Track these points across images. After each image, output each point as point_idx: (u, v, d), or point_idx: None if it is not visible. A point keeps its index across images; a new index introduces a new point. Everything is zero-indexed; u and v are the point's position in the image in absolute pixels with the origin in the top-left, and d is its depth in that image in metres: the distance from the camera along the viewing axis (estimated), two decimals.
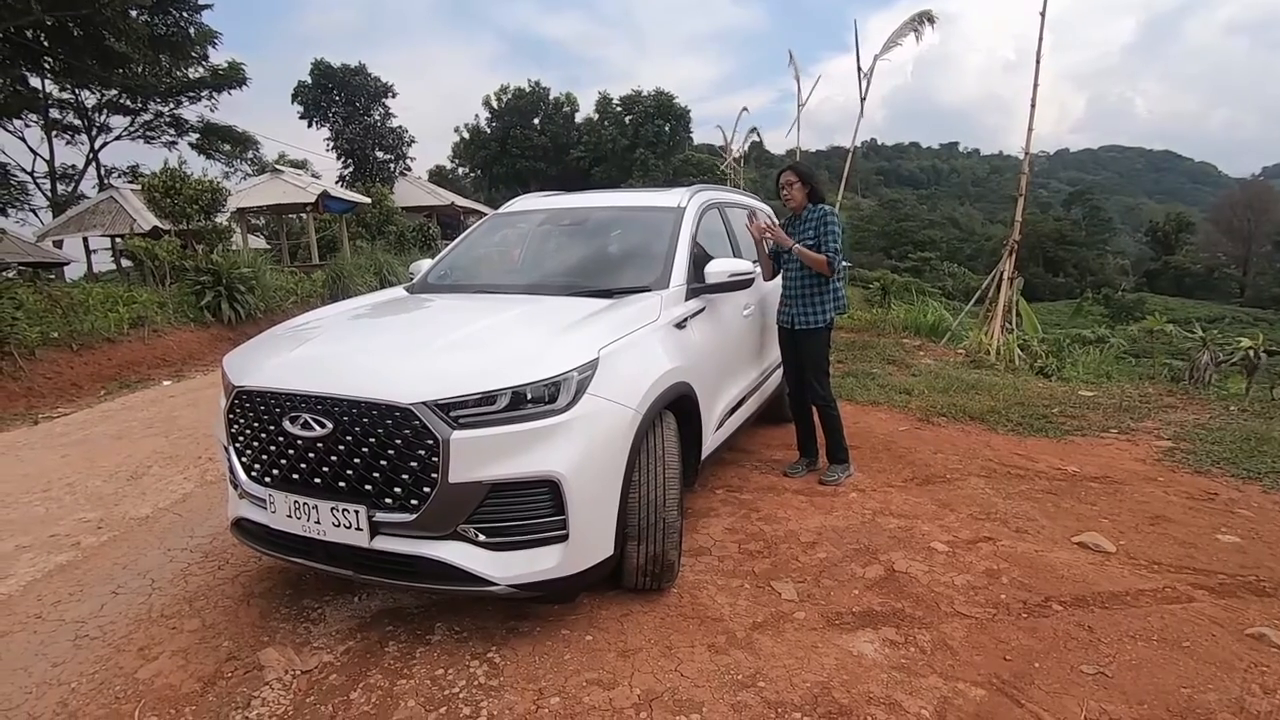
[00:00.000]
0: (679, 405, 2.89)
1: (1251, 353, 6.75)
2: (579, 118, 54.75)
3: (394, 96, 33.20)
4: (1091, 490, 3.92)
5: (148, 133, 25.92)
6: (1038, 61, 8.50)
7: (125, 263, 16.20)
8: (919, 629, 2.55)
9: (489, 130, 54.42)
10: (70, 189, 24.73)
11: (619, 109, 51.97)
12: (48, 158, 23.85)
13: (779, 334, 4.15)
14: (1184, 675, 2.27)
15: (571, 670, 2.31)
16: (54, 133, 23.82)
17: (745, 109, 16.65)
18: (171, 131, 26.22)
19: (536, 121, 54.20)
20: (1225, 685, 2.21)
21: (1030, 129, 8.63)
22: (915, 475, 4.16)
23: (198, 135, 26.75)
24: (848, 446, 4.13)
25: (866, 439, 4.86)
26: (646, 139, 49.48)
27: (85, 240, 18.35)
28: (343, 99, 32.55)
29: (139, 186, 13.89)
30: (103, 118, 24.66)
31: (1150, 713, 2.09)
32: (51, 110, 23.33)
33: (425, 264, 4.07)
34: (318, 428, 2.30)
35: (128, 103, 24.28)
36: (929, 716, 2.09)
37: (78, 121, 24.40)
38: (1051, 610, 2.66)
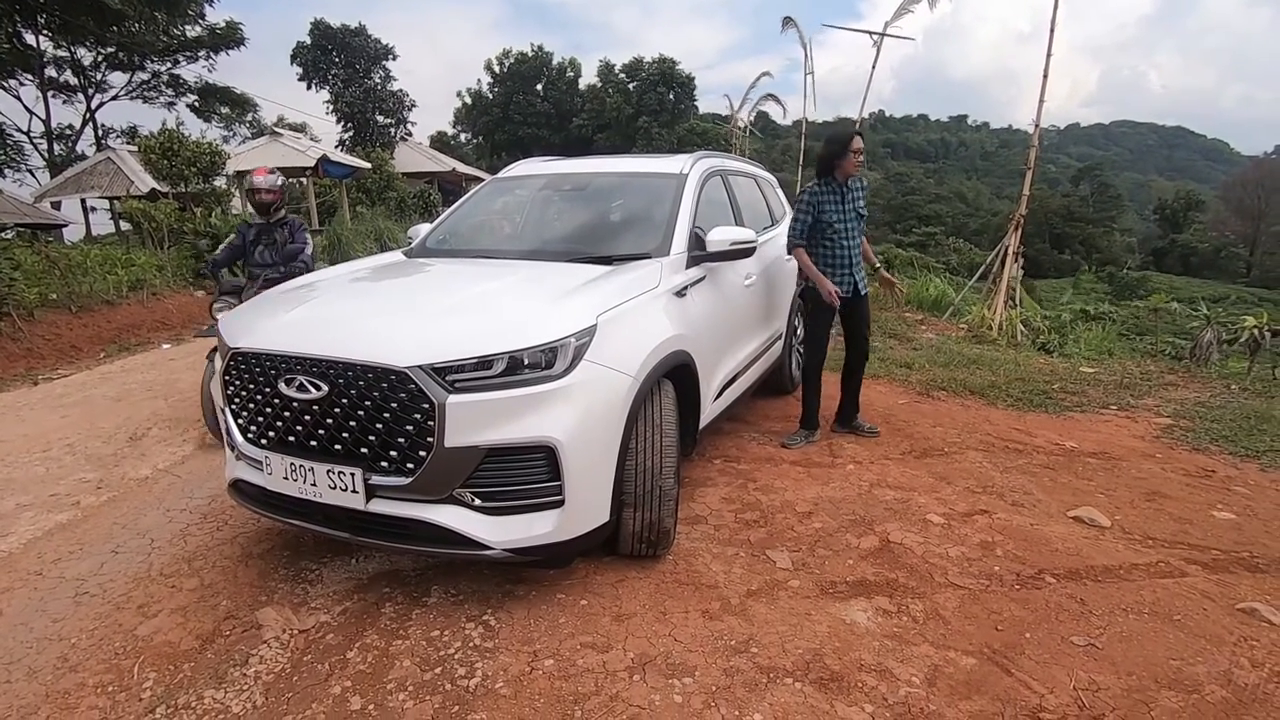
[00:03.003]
0: (678, 374, 2.88)
1: (1256, 332, 6.72)
2: (582, 84, 53.89)
3: (394, 59, 32.65)
4: (1089, 466, 3.92)
5: (145, 93, 25.55)
6: (1051, 31, 8.30)
7: (124, 225, 16.08)
8: (912, 599, 2.56)
9: (491, 96, 53.61)
10: (67, 149, 24.44)
11: (622, 76, 51.07)
12: (44, 117, 23.54)
13: (839, 304, 4.00)
14: (1174, 648, 2.28)
15: (566, 633, 2.33)
16: (50, 92, 23.45)
17: (768, 73, 15.84)
18: (169, 92, 25.86)
19: (539, 88, 53.36)
20: (1214, 658, 2.23)
21: (1041, 101, 8.47)
22: (913, 448, 4.16)
23: (196, 96, 26.37)
24: None
25: (866, 412, 4.83)
26: (650, 107, 48.68)
27: (83, 201, 18.19)
28: (342, 61, 32.00)
29: (137, 148, 13.73)
30: (100, 76, 24.27)
31: (1139, 683, 2.11)
32: (48, 68, 22.94)
33: (424, 228, 4.02)
34: (313, 390, 2.28)
35: (124, 61, 23.87)
36: (919, 684, 2.11)
37: (74, 80, 24.01)
38: (1045, 583, 2.68)
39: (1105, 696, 2.06)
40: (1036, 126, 8.76)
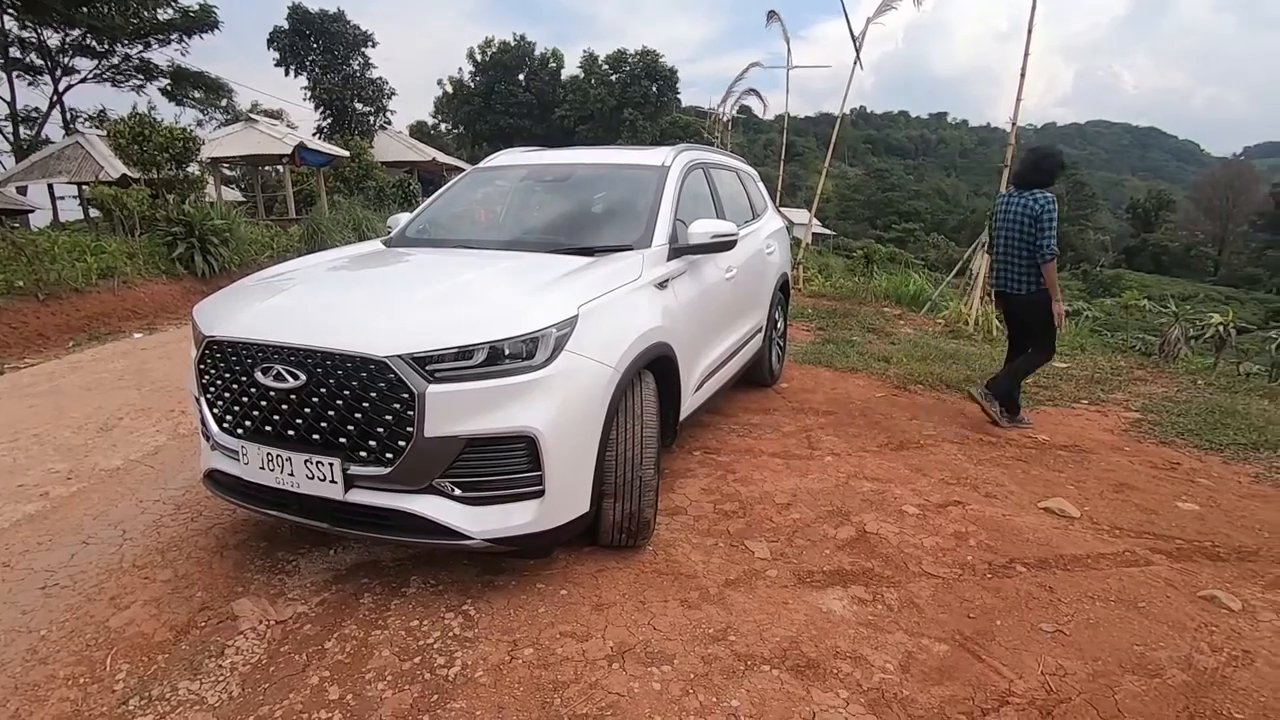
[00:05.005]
0: (658, 365, 2.88)
1: (1221, 329, 6.89)
2: (564, 75, 53.59)
3: (374, 46, 32.23)
4: (1060, 458, 4.01)
5: (115, 76, 24.85)
6: (1030, 31, 8.39)
7: (93, 212, 15.68)
8: (887, 588, 2.61)
9: (473, 85, 53.12)
10: (33, 133, 23.75)
11: (605, 68, 50.88)
12: (8, 99, 22.84)
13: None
14: (1138, 634, 2.35)
15: (546, 623, 2.34)
16: (15, 73, 22.74)
17: (758, 64, 15.43)
18: (140, 76, 25.14)
19: (521, 78, 53.00)
20: (1176, 643, 2.30)
21: (1019, 100, 8.55)
22: (890, 440, 4.22)
23: (168, 81, 25.71)
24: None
25: (844, 405, 4.91)
26: (634, 99, 48.57)
27: (50, 187, 17.72)
28: (320, 46, 31.55)
29: (106, 133, 13.37)
30: (67, 59, 23.57)
31: (1104, 668, 2.17)
32: (12, 49, 22.22)
33: (404, 217, 3.98)
34: (291, 379, 2.26)
35: (93, 44, 23.21)
36: (893, 670, 2.15)
37: (40, 62, 23.29)
38: (1015, 571, 2.74)
39: (1071, 681, 2.12)
40: (1014, 125, 8.85)
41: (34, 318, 7.31)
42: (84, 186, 16.49)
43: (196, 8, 23.78)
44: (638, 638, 2.27)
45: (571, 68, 53.37)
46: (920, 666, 2.17)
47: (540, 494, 2.31)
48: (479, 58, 52.65)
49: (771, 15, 12.70)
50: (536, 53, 53.32)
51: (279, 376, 2.28)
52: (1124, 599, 2.55)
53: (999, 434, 4.39)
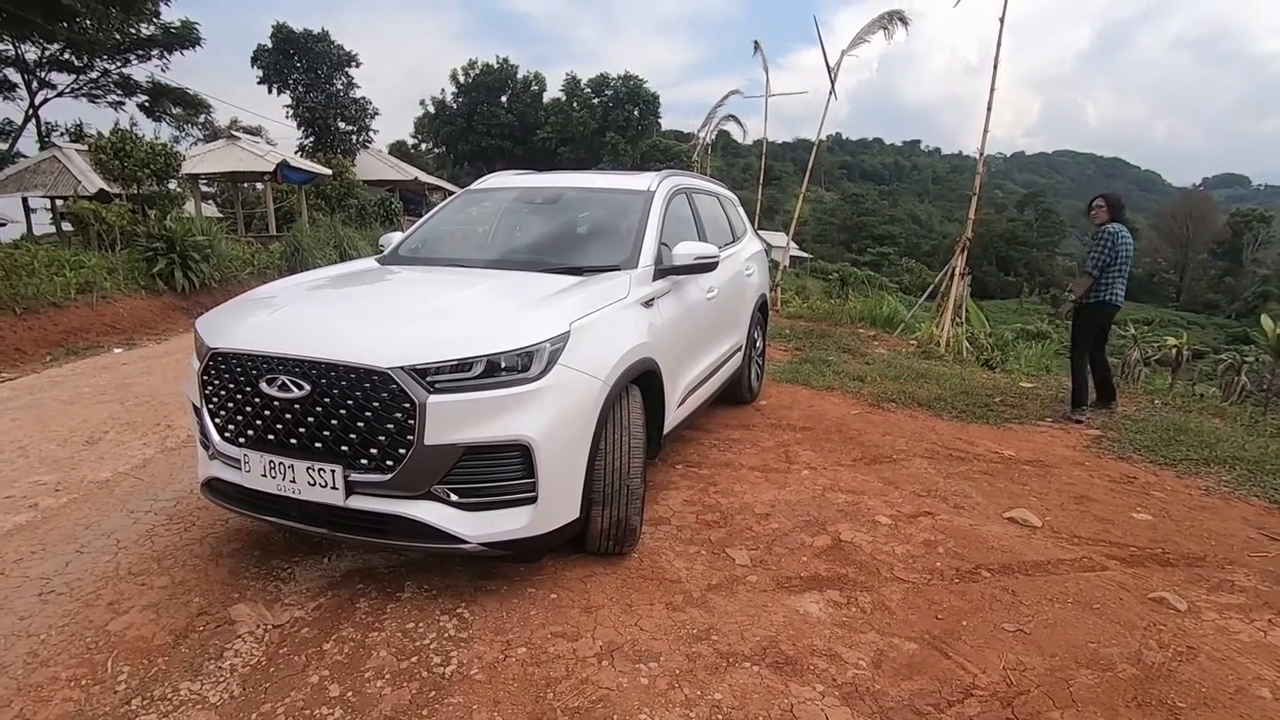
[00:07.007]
0: (644, 380, 3.02)
1: (1176, 351, 7.22)
2: (546, 98, 54.16)
3: (357, 66, 32.39)
4: (1024, 472, 4.20)
5: (93, 91, 24.66)
6: (995, 66, 8.81)
7: (66, 226, 15.49)
8: (861, 592, 2.75)
9: (455, 105, 53.42)
10: (8, 146, 23.44)
11: (588, 91, 51.56)
12: None
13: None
14: (1093, 632, 2.52)
15: (537, 624, 2.45)
16: None
17: (737, 91, 16.08)
18: (118, 91, 24.99)
19: (504, 99, 53.42)
20: (1127, 641, 2.47)
21: (986, 130, 8.94)
22: (864, 455, 4.39)
23: (146, 96, 25.57)
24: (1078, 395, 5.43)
25: (820, 421, 5.09)
26: (616, 123, 49.23)
27: (25, 201, 17.49)
28: (304, 66, 31.62)
29: (85, 147, 13.28)
30: (44, 73, 23.37)
31: (1060, 663, 2.33)
32: None
33: (396, 236, 4.10)
34: (295, 390, 2.36)
35: (72, 59, 23.05)
36: (866, 666, 2.29)
37: (16, 76, 23.08)
38: (981, 577, 2.90)
39: (1030, 675, 2.27)
40: (981, 154, 9.25)
41: (10, 332, 7.25)
42: (58, 201, 16.29)
43: (178, 24, 23.76)
44: (625, 637, 2.38)
45: (553, 90, 54.08)
46: (891, 663, 2.31)
47: (533, 500, 2.43)
48: (462, 79, 53.07)
49: (756, 46, 13.14)
50: (519, 75, 53.91)
51: (284, 387, 2.37)
52: (1081, 601, 2.72)
53: (967, 450, 4.59)
